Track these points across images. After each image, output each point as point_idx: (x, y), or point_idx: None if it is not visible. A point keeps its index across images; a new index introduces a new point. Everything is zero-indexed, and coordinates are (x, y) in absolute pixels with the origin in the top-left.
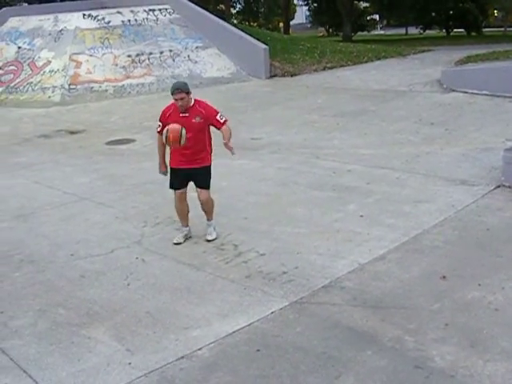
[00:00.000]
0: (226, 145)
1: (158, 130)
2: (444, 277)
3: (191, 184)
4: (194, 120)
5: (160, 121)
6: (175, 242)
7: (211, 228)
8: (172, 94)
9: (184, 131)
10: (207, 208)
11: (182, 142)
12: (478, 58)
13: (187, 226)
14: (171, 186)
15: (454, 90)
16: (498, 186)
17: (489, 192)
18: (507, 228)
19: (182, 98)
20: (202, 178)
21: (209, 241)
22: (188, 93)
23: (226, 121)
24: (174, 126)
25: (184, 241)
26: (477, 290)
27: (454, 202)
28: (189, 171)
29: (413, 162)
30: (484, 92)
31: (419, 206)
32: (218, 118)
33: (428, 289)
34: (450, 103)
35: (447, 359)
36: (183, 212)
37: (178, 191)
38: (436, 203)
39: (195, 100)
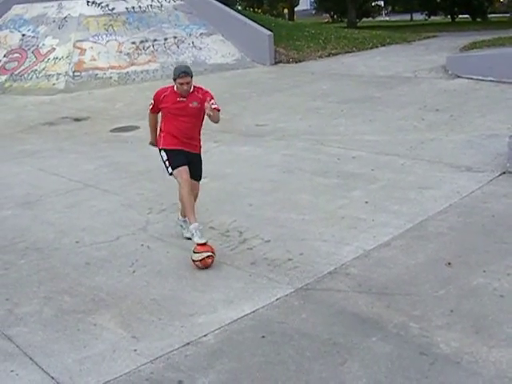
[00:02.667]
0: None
1: (150, 107)
2: (449, 263)
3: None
4: (191, 105)
5: (154, 99)
6: (202, 241)
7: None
8: (178, 78)
9: None
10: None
11: None
12: (483, 44)
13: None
14: (174, 165)
15: (459, 77)
16: (504, 173)
17: (494, 178)
18: None
19: (187, 83)
20: (198, 167)
21: (189, 239)
22: (192, 76)
23: (217, 107)
24: None
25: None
26: (482, 276)
27: (459, 189)
28: (188, 154)
29: (418, 148)
30: (489, 78)
31: (424, 192)
32: (211, 102)
33: (433, 275)
34: (455, 89)
35: (452, 346)
36: (192, 201)
37: (184, 169)
38: (441, 190)
39: (194, 86)
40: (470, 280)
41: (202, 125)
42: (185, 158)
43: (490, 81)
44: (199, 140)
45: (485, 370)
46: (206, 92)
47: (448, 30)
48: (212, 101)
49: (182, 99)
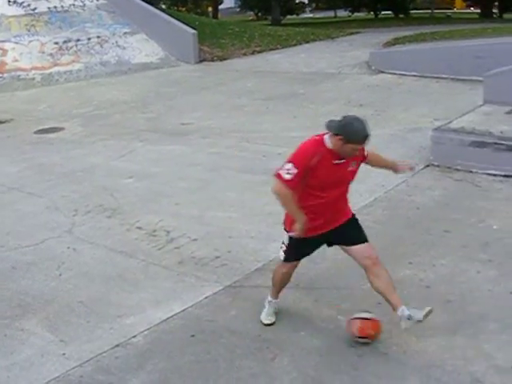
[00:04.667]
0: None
1: (290, 177)
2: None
3: None
4: (349, 168)
5: (298, 165)
6: (268, 322)
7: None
8: (356, 143)
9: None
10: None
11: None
12: (405, 39)
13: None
14: (291, 257)
15: (382, 72)
16: (427, 166)
17: (418, 172)
18: (437, 206)
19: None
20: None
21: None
22: None
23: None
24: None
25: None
26: (408, 268)
27: (383, 182)
28: (329, 234)
29: None
30: (412, 73)
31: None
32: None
33: (360, 269)
34: (379, 85)
35: (380, 337)
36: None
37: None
38: (366, 184)
39: None
40: (396, 272)
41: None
42: (314, 248)
43: (413, 75)
44: (347, 203)
45: (412, 359)
46: None
47: (371, 27)
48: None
49: (339, 161)
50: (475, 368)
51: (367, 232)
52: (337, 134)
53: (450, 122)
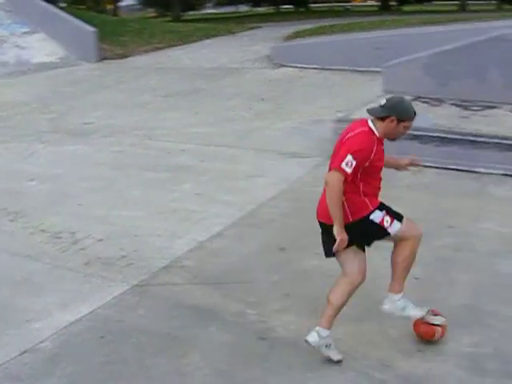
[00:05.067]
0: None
1: (350, 171)
2: (282, 249)
3: None
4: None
5: (358, 157)
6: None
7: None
8: (412, 119)
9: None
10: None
11: None
12: (305, 33)
13: None
14: (399, 217)
15: (283, 66)
16: (330, 157)
17: (321, 163)
18: None
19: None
20: None
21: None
22: None
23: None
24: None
25: None
26: (314, 258)
27: (287, 175)
28: None
29: (246, 137)
30: (313, 66)
31: (254, 180)
32: None
33: (267, 262)
34: (281, 78)
35: (289, 328)
36: None
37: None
38: (270, 177)
39: None
40: (302, 263)
41: None
42: None
43: (314, 68)
44: None
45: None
46: None
47: (272, 21)
48: None
49: (381, 147)
50: (383, 353)
51: (272, 225)
52: (388, 116)
53: (351, 113)
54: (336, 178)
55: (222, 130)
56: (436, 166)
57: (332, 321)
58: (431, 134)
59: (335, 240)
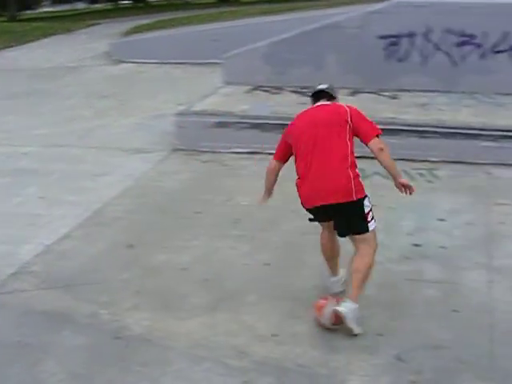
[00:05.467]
0: None
1: None
2: (130, 246)
3: None
4: None
5: None
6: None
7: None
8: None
9: None
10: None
11: None
12: (144, 27)
13: None
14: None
15: (123, 62)
16: (174, 151)
17: (165, 157)
18: (185, 189)
19: None
20: None
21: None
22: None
23: None
24: None
25: None
26: (163, 253)
27: (131, 172)
28: None
29: (88, 136)
30: (153, 61)
31: (98, 179)
32: None
33: (116, 260)
34: (121, 75)
35: (143, 325)
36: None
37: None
38: (114, 175)
39: None
40: (152, 259)
41: None
42: None
43: (154, 63)
44: None
45: (177, 342)
46: None
47: (111, 17)
48: None
49: None
50: (238, 341)
51: (120, 223)
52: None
53: (192, 106)
54: (382, 142)
55: (63, 130)
56: None
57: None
58: (272, 122)
59: (352, 218)
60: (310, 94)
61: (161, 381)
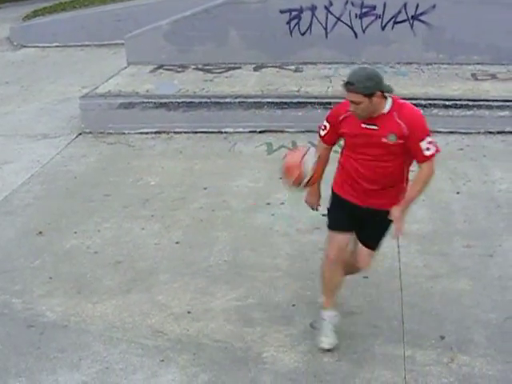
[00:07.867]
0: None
1: (322, 133)
2: (40, 232)
3: None
4: (385, 140)
5: (327, 120)
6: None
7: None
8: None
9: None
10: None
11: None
12: (45, 11)
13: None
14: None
15: (25, 46)
16: (80, 134)
17: (71, 141)
18: (93, 173)
19: (355, 102)
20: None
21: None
22: (371, 95)
23: (432, 155)
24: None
25: None
26: (74, 237)
27: (38, 158)
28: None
29: None
30: (55, 44)
31: (4, 167)
32: (423, 145)
33: (26, 248)
34: (23, 60)
35: (57, 311)
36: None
37: (339, 234)
38: (21, 162)
39: (395, 102)
40: (63, 244)
41: (406, 170)
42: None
43: (56, 46)
44: (401, 190)
45: (93, 325)
46: (414, 116)
47: (10, 1)
48: (424, 143)
49: (369, 126)
50: (154, 320)
51: (28, 210)
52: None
53: (97, 88)
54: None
55: None
56: (186, 130)
57: None
58: (177, 101)
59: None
60: None
61: (79, 365)
